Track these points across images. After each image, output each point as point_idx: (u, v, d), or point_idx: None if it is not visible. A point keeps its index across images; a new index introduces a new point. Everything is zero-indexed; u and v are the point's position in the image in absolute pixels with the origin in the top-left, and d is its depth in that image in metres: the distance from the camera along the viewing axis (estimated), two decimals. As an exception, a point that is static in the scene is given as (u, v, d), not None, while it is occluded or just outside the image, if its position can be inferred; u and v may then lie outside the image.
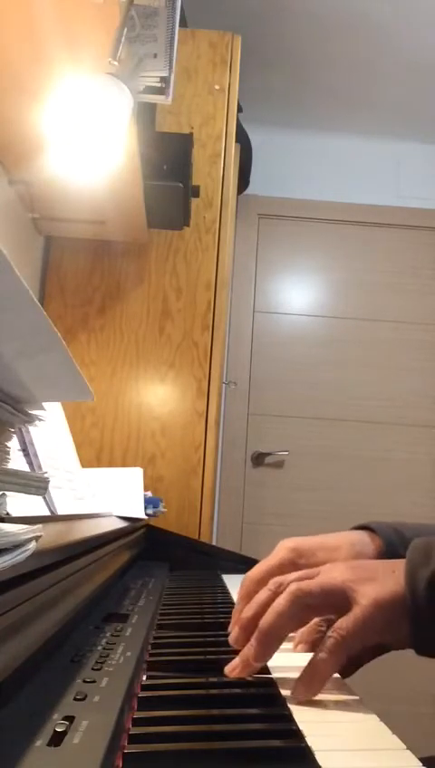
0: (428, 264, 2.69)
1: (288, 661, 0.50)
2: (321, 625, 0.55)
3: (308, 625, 0.55)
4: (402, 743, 0.37)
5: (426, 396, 2.61)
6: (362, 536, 0.64)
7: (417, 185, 2.76)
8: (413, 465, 2.56)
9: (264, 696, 0.45)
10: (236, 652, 0.49)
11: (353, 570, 0.49)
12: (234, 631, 0.52)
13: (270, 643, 0.47)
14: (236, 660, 0.48)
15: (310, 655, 0.47)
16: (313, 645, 0.55)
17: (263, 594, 0.52)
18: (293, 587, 0.48)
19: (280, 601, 0.48)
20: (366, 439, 2.57)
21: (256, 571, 0.59)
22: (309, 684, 0.45)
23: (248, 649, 0.48)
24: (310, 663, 0.46)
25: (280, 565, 0.59)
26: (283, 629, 0.47)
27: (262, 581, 0.56)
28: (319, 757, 0.34)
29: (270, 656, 0.47)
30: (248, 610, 0.52)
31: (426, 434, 2.59)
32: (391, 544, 0.62)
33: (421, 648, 0.47)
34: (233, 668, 0.48)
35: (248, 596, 0.55)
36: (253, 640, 0.47)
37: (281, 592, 0.50)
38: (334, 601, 0.47)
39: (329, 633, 0.46)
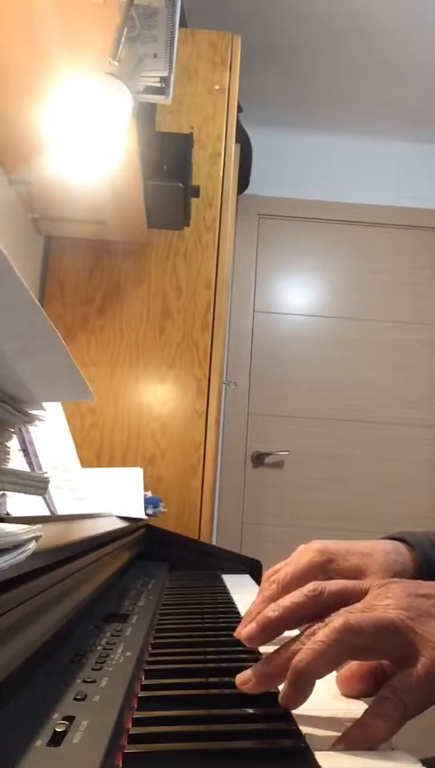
0: (428, 264, 2.69)
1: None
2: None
3: None
4: (402, 743, 0.37)
5: (426, 396, 2.61)
6: (397, 546, 0.59)
7: (417, 185, 2.76)
8: (413, 465, 2.56)
9: (264, 696, 0.45)
10: (237, 652, 0.47)
11: (413, 599, 0.39)
12: (249, 626, 0.45)
13: (307, 686, 0.38)
14: (249, 674, 0.41)
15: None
16: (357, 675, 0.44)
17: (296, 597, 0.44)
18: (339, 622, 0.38)
19: (323, 639, 0.38)
20: (366, 439, 2.57)
21: (283, 572, 0.52)
22: (354, 746, 0.36)
23: (267, 667, 0.41)
24: (361, 722, 0.37)
25: (310, 568, 0.53)
26: (322, 673, 0.38)
27: (288, 588, 0.50)
28: (319, 757, 0.34)
29: (305, 700, 0.38)
30: (274, 610, 0.44)
31: (426, 434, 2.59)
32: (429, 557, 0.57)
33: None
34: (244, 681, 0.41)
35: (273, 599, 0.48)
36: (287, 682, 0.38)
37: (318, 603, 0.43)
38: (390, 644, 0.38)
39: (385, 692, 0.37)
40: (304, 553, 0.55)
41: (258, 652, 0.51)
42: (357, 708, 0.41)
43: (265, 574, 0.58)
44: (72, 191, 1.22)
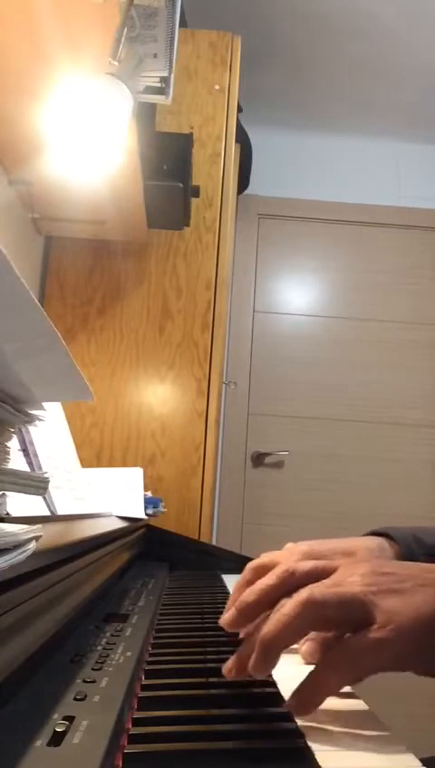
0: (428, 264, 2.69)
1: (290, 660, 0.50)
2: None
3: None
4: (402, 742, 0.37)
5: (426, 396, 2.61)
6: (381, 542, 0.60)
7: (417, 185, 2.76)
8: (413, 465, 2.56)
9: (264, 696, 0.45)
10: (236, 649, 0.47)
11: (377, 577, 0.42)
12: (228, 613, 0.47)
13: (273, 655, 0.41)
14: (232, 661, 0.44)
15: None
16: (321, 647, 0.49)
17: (269, 579, 0.46)
18: (304, 594, 0.41)
19: (288, 611, 0.40)
20: (366, 439, 2.57)
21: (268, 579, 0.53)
22: (304, 699, 0.39)
23: (245, 650, 0.43)
24: (310, 677, 0.40)
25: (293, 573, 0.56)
26: (287, 642, 0.41)
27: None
28: (319, 757, 0.34)
29: (272, 668, 0.41)
30: (250, 595, 0.46)
31: (426, 434, 2.59)
32: (411, 552, 0.58)
33: None
34: (229, 670, 0.44)
35: (249, 585, 0.50)
36: (255, 652, 0.41)
37: (290, 583, 0.45)
38: (351, 615, 0.40)
39: (337, 647, 0.40)
40: (291, 554, 0.56)
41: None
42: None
43: (250, 565, 0.58)
44: (72, 191, 1.22)
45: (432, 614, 0.39)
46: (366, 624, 0.39)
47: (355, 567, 0.43)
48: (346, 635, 0.41)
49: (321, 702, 0.40)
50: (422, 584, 0.41)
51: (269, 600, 0.46)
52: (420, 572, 0.42)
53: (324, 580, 0.43)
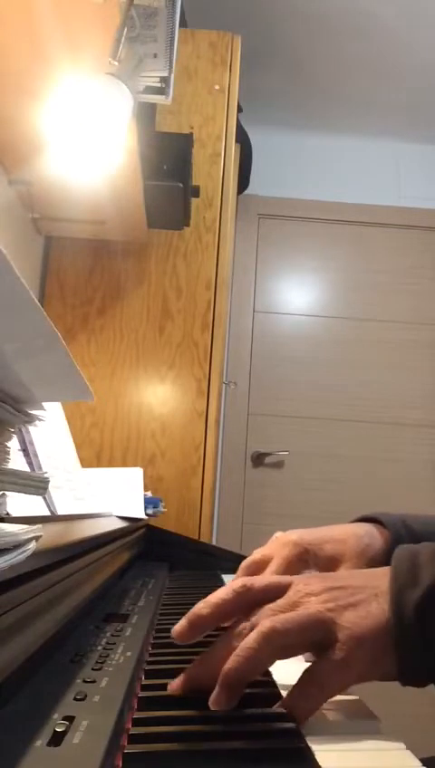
0: (428, 264, 2.69)
1: (289, 660, 0.50)
2: None
3: None
4: (402, 743, 0.37)
5: (426, 396, 2.61)
6: (370, 528, 0.61)
7: (417, 185, 2.76)
8: (413, 465, 2.56)
9: (264, 695, 0.45)
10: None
11: (332, 593, 0.43)
12: (179, 624, 0.45)
13: (237, 690, 0.40)
14: (180, 678, 0.43)
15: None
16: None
17: (225, 593, 0.45)
18: (266, 626, 0.41)
19: (250, 644, 0.40)
20: (366, 439, 2.57)
21: (263, 580, 0.50)
22: None
23: (196, 669, 0.43)
24: (282, 705, 0.40)
25: (288, 564, 0.55)
26: (252, 675, 0.41)
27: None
28: (319, 757, 0.34)
29: (235, 702, 0.40)
30: (204, 608, 0.45)
31: (426, 434, 2.59)
32: (400, 538, 0.59)
33: (409, 680, 0.41)
34: (176, 687, 0.43)
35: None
36: (218, 686, 0.40)
37: (246, 598, 0.45)
38: (314, 638, 0.41)
39: (305, 676, 0.41)
40: (282, 546, 0.56)
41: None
42: None
43: (243, 564, 0.59)
44: (72, 191, 1.22)
45: (385, 622, 0.41)
46: (328, 642, 0.41)
47: (307, 585, 0.44)
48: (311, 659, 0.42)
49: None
50: (375, 594, 0.42)
51: (223, 614, 0.46)
52: (368, 582, 0.44)
53: (280, 602, 0.43)
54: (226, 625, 0.46)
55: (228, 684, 0.40)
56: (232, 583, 0.46)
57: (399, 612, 0.41)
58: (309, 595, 0.43)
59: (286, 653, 0.42)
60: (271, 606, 0.43)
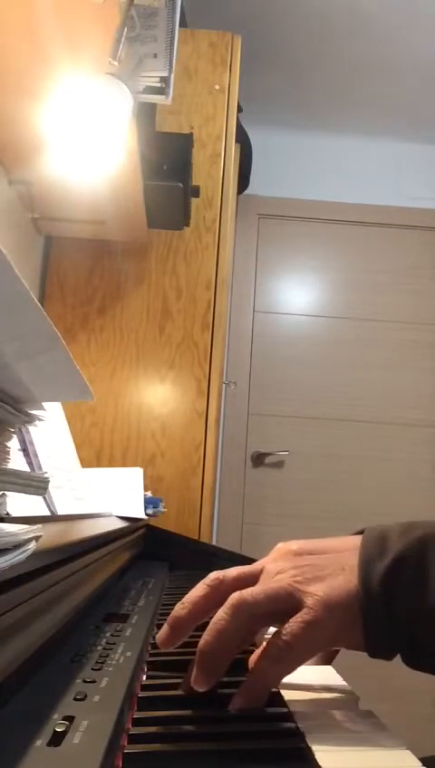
0: (428, 264, 2.69)
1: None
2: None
3: None
4: (403, 742, 0.37)
5: (426, 396, 2.61)
6: None
7: (417, 185, 2.76)
8: (413, 465, 2.56)
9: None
10: (237, 659, 0.45)
11: (300, 568, 0.43)
12: (162, 630, 0.45)
13: (214, 666, 0.40)
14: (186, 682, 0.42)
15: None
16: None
17: (199, 590, 0.45)
18: (234, 598, 0.41)
19: (221, 616, 0.41)
20: (366, 439, 2.57)
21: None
22: (249, 695, 0.40)
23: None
24: (252, 671, 0.41)
25: None
26: (227, 649, 0.41)
27: None
28: (319, 757, 0.34)
29: (216, 679, 0.40)
30: (182, 609, 0.45)
31: (426, 434, 2.59)
32: None
33: (376, 651, 0.42)
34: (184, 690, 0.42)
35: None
36: (195, 665, 0.40)
37: (221, 591, 0.45)
38: (283, 607, 0.41)
39: (273, 638, 0.41)
40: (282, 555, 0.55)
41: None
42: (328, 676, 0.45)
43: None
44: (72, 191, 1.22)
45: (353, 592, 0.41)
46: (295, 610, 0.41)
47: (276, 565, 0.45)
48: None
49: (266, 695, 0.40)
50: (342, 567, 0.43)
51: (201, 611, 0.45)
52: (336, 560, 0.44)
53: (252, 587, 0.43)
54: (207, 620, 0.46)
55: (203, 660, 0.40)
56: (205, 579, 0.46)
57: (365, 583, 0.41)
58: (279, 573, 0.44)
59: (256, 623, 0.42)
60: (237, 572, 0.45)
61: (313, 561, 0.44)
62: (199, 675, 0.40)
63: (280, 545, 0.59)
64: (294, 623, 0.40)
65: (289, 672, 0.41)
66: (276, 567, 0.45)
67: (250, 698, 0.40)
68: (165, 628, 0.45)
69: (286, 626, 0.40)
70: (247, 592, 0.42)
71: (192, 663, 0.43)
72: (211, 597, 0.45)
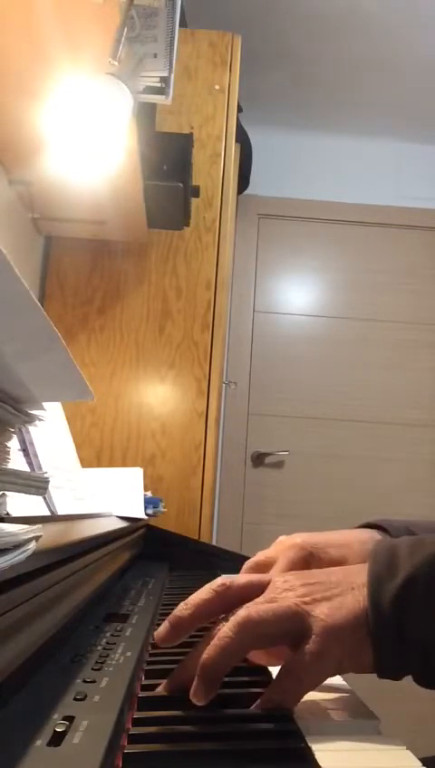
0: (428, 264, 2.69)
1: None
2: None
3: None
4: (402, 743, 0.37)
5: (426, 396, 2.61)
6: (374, 534, 0.61)
7: (417, 185, 2.76)
8: (413, 465, 2.56)
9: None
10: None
11: (309, 587, 0.43)
12: (161, 627, 0.45)
13: (215, 681, 0.40)
14: (166, 682, 0.44)
15: None
16: (272, 656, 0.48)
17: (204, 594, 0.45)
18: (240, 616, 0.41)
19: (226, 633, 0.40)
20: (366, 439, 2.57)
21: (267, 578, 0.51)
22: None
23: (179, 673, 0.43)
24: (262, 700, 0.41)
25: (291, 566, 0.54)
26: (228, 665, 0.41)
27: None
28: (319, 757, 0.34)
29: (213, 693, 0.40)
30: (185, 609, 0.45)
31: (426, 434, 2.59)
32: None
33: (386, 672, 0.41)
34: (163, 689, 0.43)
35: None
36: (196, 678, 0.40)
37: (226, 597, 0.45)
38: (289, 629, 0.41)
39: (283, 671, 0.41)
40: (286, 549, 0.56)
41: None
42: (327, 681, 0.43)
43: (246, 564, 0.59)
44: (72, 191, 1.22)
45: (361, 613, 0.41)
46: (303, 634, 0.41)
47: (285, 581, 0.44)
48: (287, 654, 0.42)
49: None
50: (351, 587, 0.42)
51: (204, 614, 0.45)
52: (345, 577, 0.44)
53: (258, 599, 0.43)
54: (208, 624, 0.46)
55: (205, 674, 0.40)
56: (211, 583, 0.46)
57: (375, 603, 0.41)
58: (287, 590, 0.43)
59: (261, 642, 0.42)
60: (249, 603, 0.43)
61: (322, 579, 0.44)
62: (199, 688, 0.40)
63: (282, 538, 0.59)
64: (301, 656, 0.40)
65: (297, 702, 0.41)
66: (285, 582, 0.44)
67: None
68: (165, 625, 0.45)
69: (295, 659, 0.40)
70: (254, 611, 0.41)
71: (179, 667, 0.43)
72: (215, 602, 0.45)
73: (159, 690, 0.43)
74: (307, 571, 0.48)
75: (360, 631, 0.40)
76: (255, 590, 0.45)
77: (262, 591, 0.45)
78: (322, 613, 0.41)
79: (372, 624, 0.40)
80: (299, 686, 0.40)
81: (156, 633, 0.46)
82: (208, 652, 0.40)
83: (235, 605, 0.44)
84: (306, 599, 0.42)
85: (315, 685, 0.41)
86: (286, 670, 0.41)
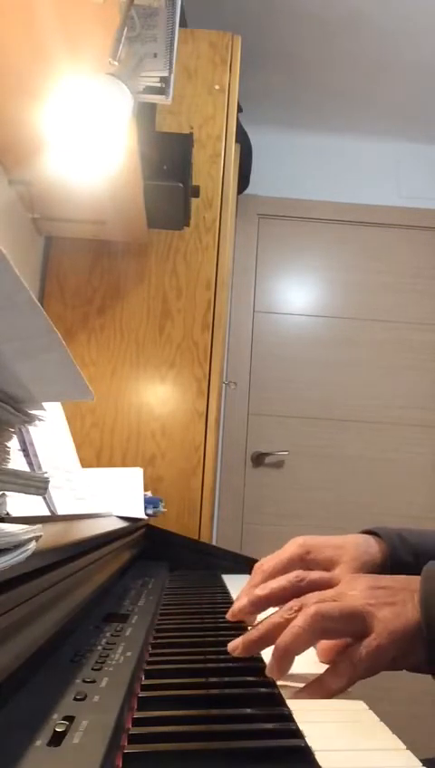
0: (428, 264, 2.69)
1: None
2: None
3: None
4: (402, 742, 0.37)
5: (426, 396, 2.61)
6: (368, 539, 0.68)
7: (417, 185, 2.76)
8: (413, 465, 2.56)
9: (264, 695, 0.45)
10: (237, 660, 0.50)
11: (374, 591, 0.49)
12: (239, 601, 0.55)
13: (288, 660, 0.48)
14: (239, 640, 0.51)
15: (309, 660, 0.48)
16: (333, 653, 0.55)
17: (282, 581, 0.55)
18: (313, 609, 0.48)
19: (299, 623, 0.48)
20: (366, 439, 2.57)
21: (268, 564, 0.63)
22: (311, 697, 0.46)
23: (252, 634, 0.50)
24: (319, 679, 0.47)
25: (290, 560, 0.64)
26: (299, 650, 0.48)
27: (273, 575, 0.61)
28: (319, 757, 0.34)
29: (286, 671, 0.47)
30: (264, 589, 0.55)
31: (426, 434, 2.59)
32: (395, 549, 0.66)
33: None
34: (234, 648, 0.51)
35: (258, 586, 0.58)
36: (272, 658, 0.47)
37: (300, 586, 0.54)
38: (353, 627, 0.48)
39: (341, 657, 0.47)
40: (288, 546, 0.65)
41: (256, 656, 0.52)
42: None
43: (255, 566, 0.67)
44: (72, 191, 1.22)
45: (418, 621, 0.47)
46: (365, 632, 0.47)
47: (356, 582, 0.51)
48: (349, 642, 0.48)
49: (322, 699, 0.46)
50: (412, 596, 0.49)
51: (278, 599, 0.55)
52: (407, 585, 0.50)
53: (329, 591, 0.51)
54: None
55: (279, 656, 0.47)
56: (289, 574, 0.56)
57: (428, 615, 0.47)
58: (355, 591, 0.50)
59: (327, 635, 0.49)
60: (318, 592, 0.51)
61: (388, 584, 0.51)
62: (275, 666, 0.47)
63: (292, 540, 0.68)
64: (361, 648, 0.46)
65: (346, 687, 0.47)
66: (353, 583, 0.51)
67: (310, 698, 0.46)
68: (243, 600, 0.56)
69: (355, 648, 0.47)
70: (324, 608, 0.48)
71: (247, 633, 0.51)
72: (289, 591, 0.55)
73: (231, 648, 0.51)
74: (374, 575, 0.55)
75: (414, 636, 0.47)
76: (324, 585, 0.53)
77: (331, 587, 0.53)
78: (383, 617, 0.47)
79: (425, 634, 0.46)
80: (354, 672, 0.46)
81: (234, 607, 0.56)
82: (283, 638, 0.47)
83: (304, 594, 0.51)
84: (371, 601, 0.48)
85: (368, 674, 0.46)
86: (345, 657, 0.47)
